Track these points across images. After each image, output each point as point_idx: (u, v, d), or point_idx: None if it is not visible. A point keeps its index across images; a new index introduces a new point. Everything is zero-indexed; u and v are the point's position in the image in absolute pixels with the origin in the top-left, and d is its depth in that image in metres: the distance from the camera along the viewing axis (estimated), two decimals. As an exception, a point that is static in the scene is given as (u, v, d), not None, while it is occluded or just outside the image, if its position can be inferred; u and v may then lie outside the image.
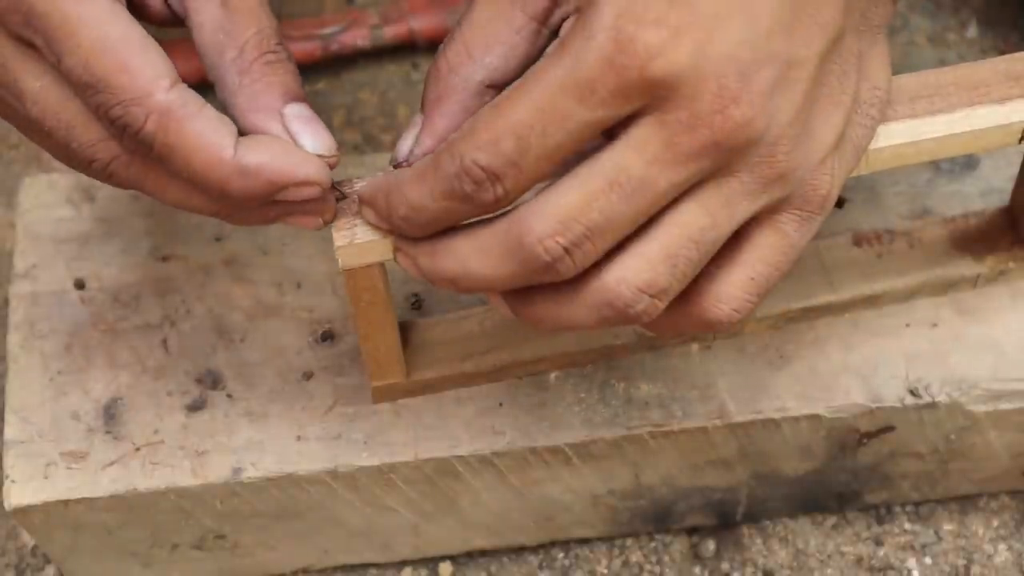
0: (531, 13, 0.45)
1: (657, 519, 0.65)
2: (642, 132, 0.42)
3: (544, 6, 0.45)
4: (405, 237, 0.47)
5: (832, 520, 0.68)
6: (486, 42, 0.45)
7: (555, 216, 0.42)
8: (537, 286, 0.46)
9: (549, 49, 0.42)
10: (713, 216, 0.44)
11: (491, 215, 0.44)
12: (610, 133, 0.43)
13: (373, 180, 0.47)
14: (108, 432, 0.58)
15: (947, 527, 0.67)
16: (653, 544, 0.67)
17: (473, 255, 0.44)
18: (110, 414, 0.59)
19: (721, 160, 0.43)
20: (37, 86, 0.46)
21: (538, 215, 0.43)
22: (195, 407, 0.59)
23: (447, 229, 0.45)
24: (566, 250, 0.43)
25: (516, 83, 0.43)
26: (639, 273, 0.44)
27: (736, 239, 0.46)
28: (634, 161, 0.42)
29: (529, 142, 0.42)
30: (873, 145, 0.49)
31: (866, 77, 0.47)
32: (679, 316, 0.47)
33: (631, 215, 0.43)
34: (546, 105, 0.41)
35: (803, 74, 0.43)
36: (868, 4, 0.47)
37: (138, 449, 0.58)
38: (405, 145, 0.47)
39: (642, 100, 0.41)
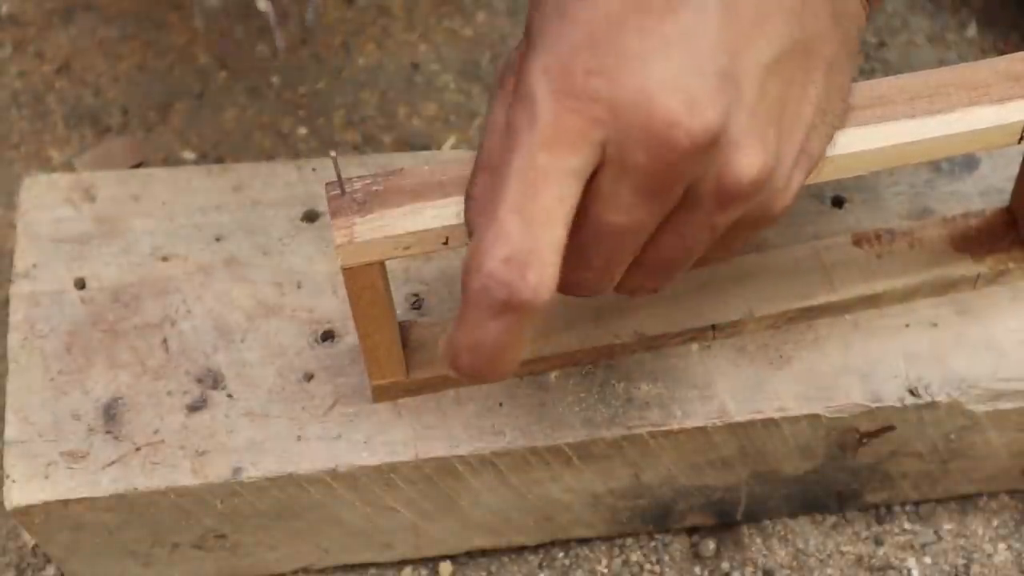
0: None
1: (657, 519, 0.65)
2: (609, 185, 0.42)
3: None
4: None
5: (832, 520, 0.68)
6: None
7: (574, 286, 0.45)
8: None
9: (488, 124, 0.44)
10: (689, 243, 0.46)
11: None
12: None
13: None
14: (108, 432, 0.58)
15: (947, 527, 0.67)
16: (653, 544, 0.67)
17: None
18: (110, 414, 0.59)
19: (690, 181, 0.43)
20: None
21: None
22: (195, 407, 0.59)
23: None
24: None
25: (476, 176, 0.45)
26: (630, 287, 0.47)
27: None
28: (614, 215, 0.43)
29: (528, 210, 0.40)
30: (873, 145, 0.49)
31: (837, 87, 0.47)
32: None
33: (630, 251, 0.45)
34: (527, 167, 0.41)
35: (752, 92, 0.43)
36: (842, 9, 0.47)
37: (138, 449, 0.58)
38: None
39: (604, 131, 0.41)
